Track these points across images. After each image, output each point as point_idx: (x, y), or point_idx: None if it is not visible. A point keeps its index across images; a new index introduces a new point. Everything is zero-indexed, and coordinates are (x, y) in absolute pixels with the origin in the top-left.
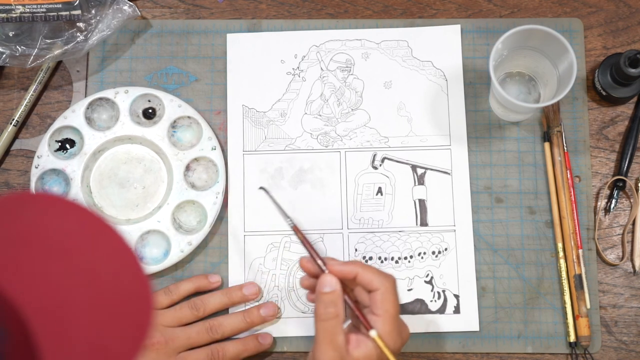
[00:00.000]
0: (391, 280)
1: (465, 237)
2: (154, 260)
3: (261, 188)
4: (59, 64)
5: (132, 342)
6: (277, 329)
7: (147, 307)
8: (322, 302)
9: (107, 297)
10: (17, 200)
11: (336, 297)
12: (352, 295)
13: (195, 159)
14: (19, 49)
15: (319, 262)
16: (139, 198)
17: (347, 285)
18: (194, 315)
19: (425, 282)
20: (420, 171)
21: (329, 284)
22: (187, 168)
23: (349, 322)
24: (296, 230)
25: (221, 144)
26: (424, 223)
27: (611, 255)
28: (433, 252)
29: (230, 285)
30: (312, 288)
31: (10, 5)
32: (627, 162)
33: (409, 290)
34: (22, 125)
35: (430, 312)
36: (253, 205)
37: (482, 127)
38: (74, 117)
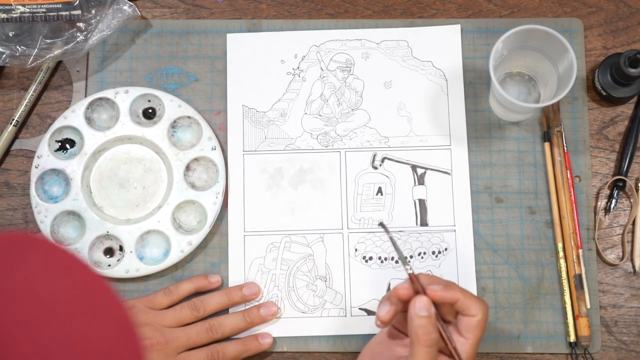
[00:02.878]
0: (487, 307)
1: (465, 237)
2: (154, 260)
3: (380, 224)
4: (59, 64)
5: None
6: (277, 329)
7: None
8: (423, 326)
9: None
10: (11, 243)
11: (435, 322)
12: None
13: (195, 159)
14: (19, 49)
15: (419, 286)
16: (139, 198)
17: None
18: (194, 316)
19: None
20: (420, 171)
21: (426, 307)
22: (187, 168)
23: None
24: (412, 277)
25: (221, 144)
26: (424, 223)
27: (611, 255)
28: (433, 252)
29: (230, 285)
30: (389, 319)
31: (10, 5)
32: (627, 162)
33: None
34: (22, 125)
35: None
36: (253, 205)
37: (482, 127)
38: (74, 117)
